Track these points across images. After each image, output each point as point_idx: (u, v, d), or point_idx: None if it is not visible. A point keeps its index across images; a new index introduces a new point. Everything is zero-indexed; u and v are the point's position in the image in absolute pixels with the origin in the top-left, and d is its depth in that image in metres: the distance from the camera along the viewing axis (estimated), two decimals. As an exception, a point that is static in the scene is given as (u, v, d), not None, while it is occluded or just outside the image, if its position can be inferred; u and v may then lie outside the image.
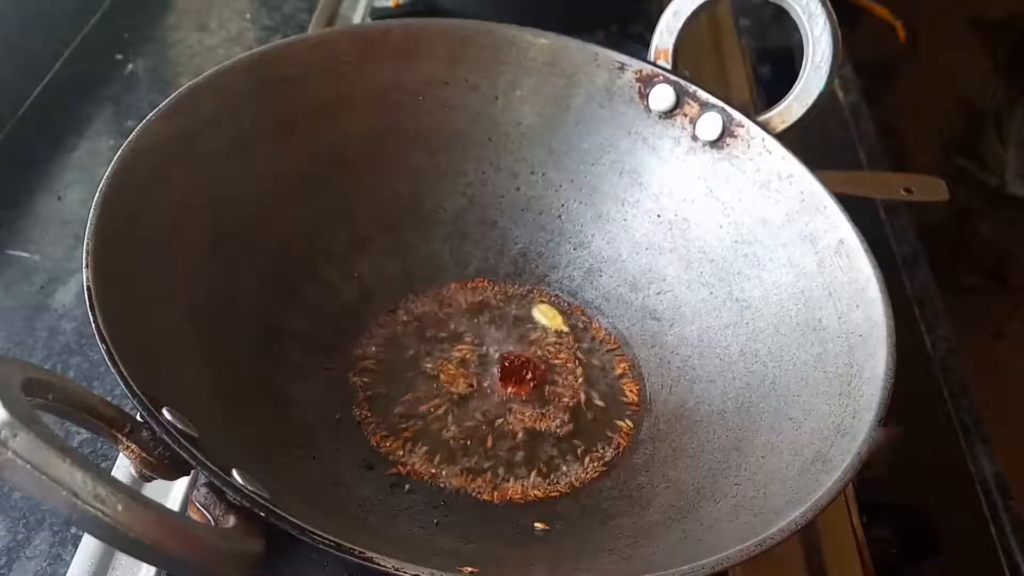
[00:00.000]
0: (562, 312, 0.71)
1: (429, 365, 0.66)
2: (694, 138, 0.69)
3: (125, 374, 0.44)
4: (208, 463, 0.41)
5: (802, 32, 0.66)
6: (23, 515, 0.62)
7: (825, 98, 0.65)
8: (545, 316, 0.70)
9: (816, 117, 0.66)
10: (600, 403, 0.66)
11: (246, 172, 0.64)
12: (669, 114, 0.70)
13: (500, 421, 0.63)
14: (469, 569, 0.45)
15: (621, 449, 0.63)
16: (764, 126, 0.67)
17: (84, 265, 0.48)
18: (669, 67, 0.71)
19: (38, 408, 0.39)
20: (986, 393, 0.71)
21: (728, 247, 0.68)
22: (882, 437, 0.44)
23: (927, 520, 0.67)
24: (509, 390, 0.65)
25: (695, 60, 0.97)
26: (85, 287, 0.47)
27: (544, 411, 0.64)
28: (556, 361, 0.68)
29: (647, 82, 0.70)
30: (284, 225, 0.66)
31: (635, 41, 0.96)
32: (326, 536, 0.40)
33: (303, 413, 0.61)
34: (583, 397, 0.66)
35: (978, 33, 1.67)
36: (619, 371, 0.68)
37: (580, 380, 0.67)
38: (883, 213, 0.99)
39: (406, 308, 0.70)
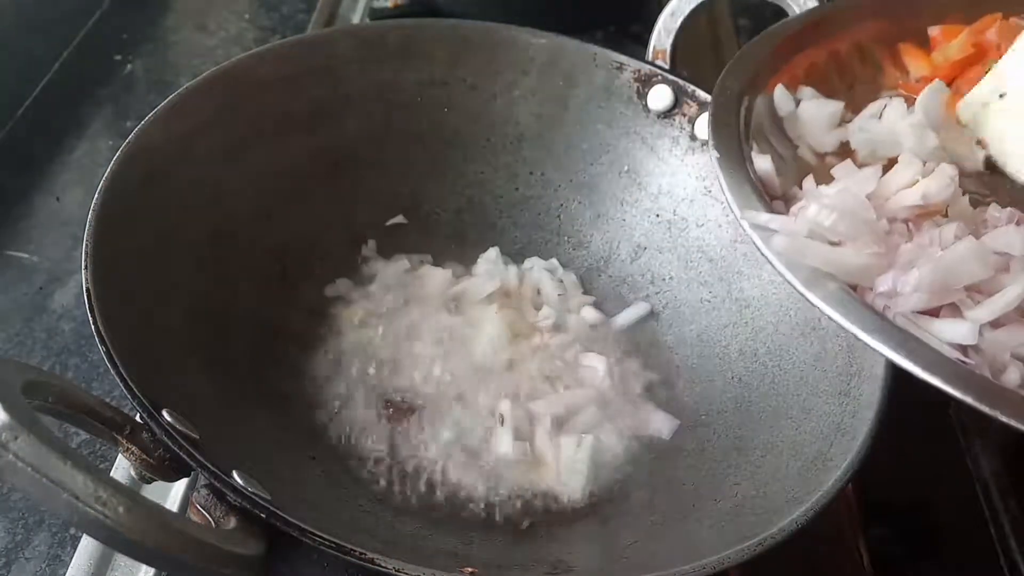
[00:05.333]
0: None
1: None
2: (692, 138, 0.69)
3: (125, 375, 0.44)
4: (209, 465, 0.41)
5: (801, 32, 0.66)
6: (22, 516, 0.62)
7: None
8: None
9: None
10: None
11: (245, 173, 0.64)
12: (667, 114, 0.70)
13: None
14: (469, 569, 0.45)
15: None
16: (763, 126, 0.67)
17: (83, 266, 0.48)
18: (667, 67, 0.72)
19: (38, 410, 0.39)
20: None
21: (727, 246, 0.68)
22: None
23: (927, 520, 0.67)
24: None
25: (694, 60, 0.96)
26: (84, 288, 0.47)
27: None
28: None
29: (645, 82, 0.70)
30: (283, 225, 0.66)
31: (633, 41, 0.96)
32: (327, 537, 0.40)
33: (303, 413, 0.61)
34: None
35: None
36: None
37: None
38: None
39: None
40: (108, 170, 0.53)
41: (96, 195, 0.52)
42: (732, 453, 0.58)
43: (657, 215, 0.72)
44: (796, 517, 0.45)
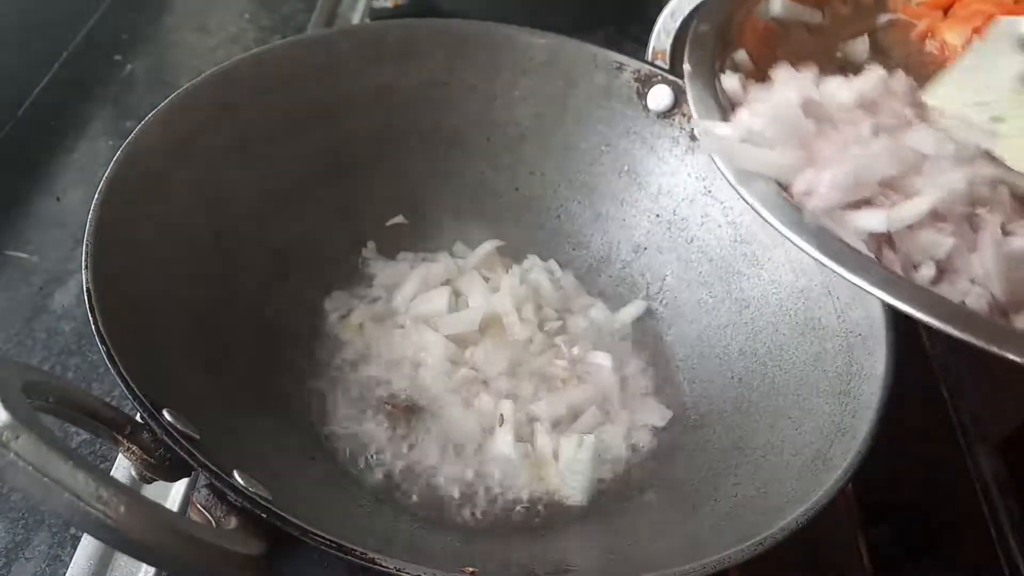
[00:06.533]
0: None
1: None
2: (692, 137, 0.69)
3: (125, 375, 0.44)
4: (210, 464, 0.41)
5: (800, 32, 0.66)
6: (22, 516, 0.62)
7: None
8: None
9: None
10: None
11: (246, 173, 0.64)
12: (667, 114, 0.70)
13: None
14: (469, 569, 0.45)
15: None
16: (763, 126, 0.67)
17: (83, 267, 0.48)
18: (667, 67, 0.72)
19: (38, 410, 0.39)
20: (985, 392, 0.70)
21: (727, 246, 0.68)
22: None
23: (927, 520, 0.67)
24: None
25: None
26: (85, 288, 0.47)
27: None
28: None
29: (645, 82, 0.70)
30: (284, 225, 0.66)
31: (633, 41, 0.96)
32: (328, 537, 0.40)
33: (303, 414, 0.61)
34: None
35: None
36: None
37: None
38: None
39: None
40: (108, 170, 0.53)
41: (96, 195, 0.51)
42: (732, 453, 0.58)
43: (657, 215, 0.72)
44: (796, 517, 0.45)
